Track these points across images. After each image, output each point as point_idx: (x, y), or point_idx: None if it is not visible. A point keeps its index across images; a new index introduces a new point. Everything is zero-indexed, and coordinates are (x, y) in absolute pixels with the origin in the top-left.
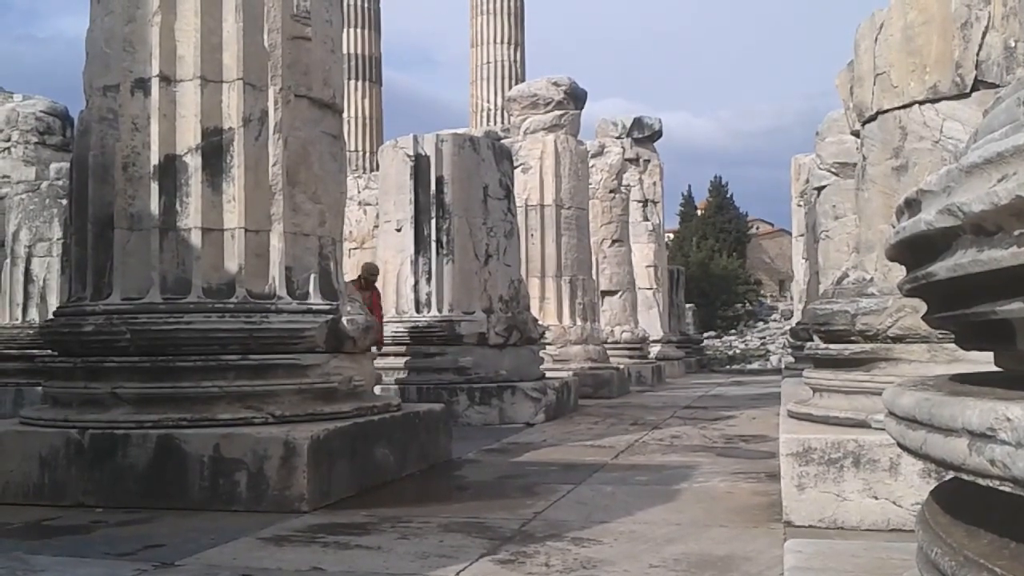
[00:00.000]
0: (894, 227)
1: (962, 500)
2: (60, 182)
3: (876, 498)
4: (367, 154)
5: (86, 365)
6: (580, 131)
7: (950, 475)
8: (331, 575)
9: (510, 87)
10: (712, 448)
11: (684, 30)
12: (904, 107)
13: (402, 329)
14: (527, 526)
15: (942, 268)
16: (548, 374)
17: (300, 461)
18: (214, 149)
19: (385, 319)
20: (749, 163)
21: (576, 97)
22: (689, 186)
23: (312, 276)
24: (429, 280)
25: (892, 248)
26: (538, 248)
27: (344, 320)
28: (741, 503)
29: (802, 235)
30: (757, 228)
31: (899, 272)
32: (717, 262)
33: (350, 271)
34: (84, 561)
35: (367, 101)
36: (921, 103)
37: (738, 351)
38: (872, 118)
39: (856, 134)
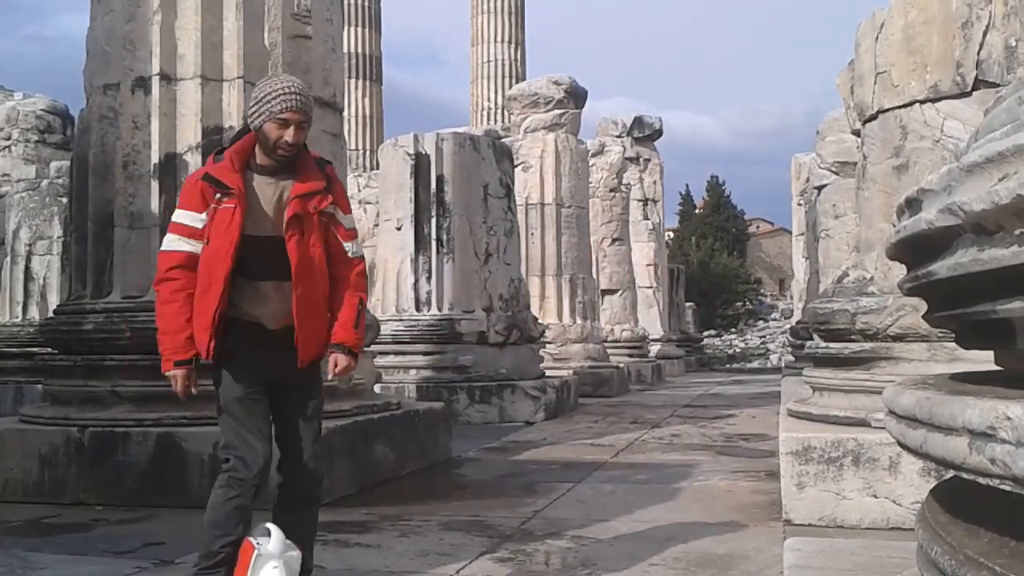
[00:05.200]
0: (895, 226)
1: (962, 499)
2: (60, 180)
3: (876, 497)
4: (367, 152)
5: (86, 363)
6: (581, 130)
7: (950, 474)
8: (331, 573)
9: (510, 86)
10: (712, 447)
11: (688, 29)
12: (905, 106)
13: (402, 327)
14: (527, 524)
15: (943, 267)
16: (548, 373)
17: None
18: (214, 148)
19: (384, 317)
20: (753, 162)
21: (576, 96)
22: (687, 185)
23: None
24: (429, 279)
25: (892, 247)
26: (538, 247)
27: None
28: (741, 501)
29: (802, 234)
30: (757, 227)
31: (899, 271)
32: (717, 261)
33: None
34: (84, 559)
35: (367, 100)
36: (922, 102)
37: (738, 350)
38: (873, 117)
39: (857, 133)
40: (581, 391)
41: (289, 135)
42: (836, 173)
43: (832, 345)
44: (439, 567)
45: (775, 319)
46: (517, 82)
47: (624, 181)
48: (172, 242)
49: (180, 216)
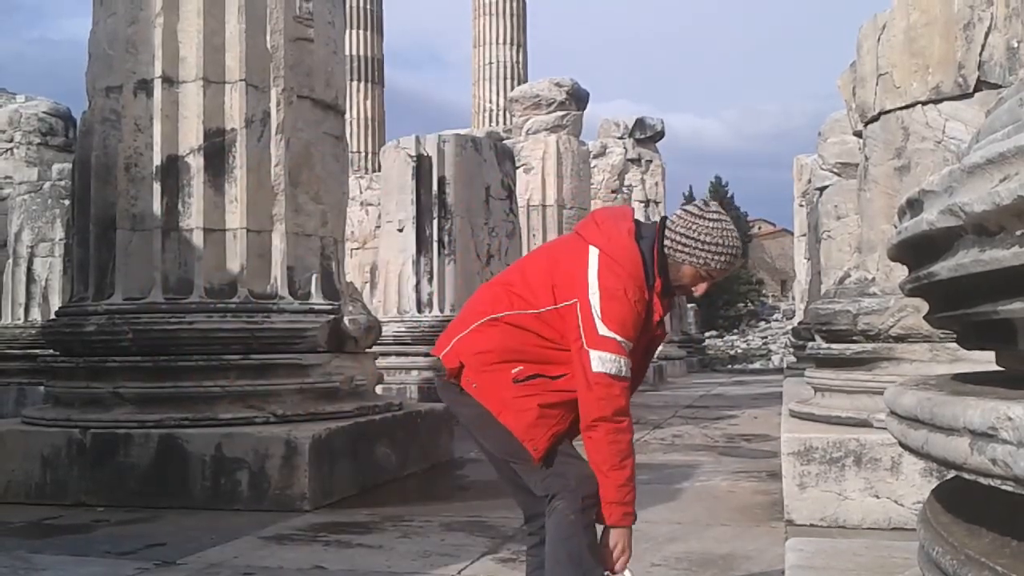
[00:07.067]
0: (896, 227)
1: (963, 499)
2: (62, 183)
3: (878, 497)
4: (369, 155)
5: (88, 365)
6: (582, 131)
7: (951, 474)
8: (333, 574)
9: (512, 88)
10: (714, 447)
11: (690, 31)
12: (907, 107)
13: (403, 329)
14: None
15: (944, 268)
16: None
17: (302, 460)
18: (216, 150)
19: (386, 318)
20: (755, 164)
21: (578, 98)
22: (690, 187)
23: (314, 276)
24: (431, 280)
25: (894, 248)
26: None
27: (346, 320)
28: (743, 502)
29: (804, 235)
30: (759, 228)
31: (901, 272)
32: None
33: (352, 271)
34: (86, 560)
35: (369, 102)
36: (924, 103)
37: (740, 351)
38: (875, 118)
39: (858, 134)
40: None
41: (700, 290)
42: (838, 174)
43: (834, 346)
44: (441, 568)
45: (777, 320)
46: (519, 84)
47: (626, 182)
48: (627, 368)
49: (625, 342)
